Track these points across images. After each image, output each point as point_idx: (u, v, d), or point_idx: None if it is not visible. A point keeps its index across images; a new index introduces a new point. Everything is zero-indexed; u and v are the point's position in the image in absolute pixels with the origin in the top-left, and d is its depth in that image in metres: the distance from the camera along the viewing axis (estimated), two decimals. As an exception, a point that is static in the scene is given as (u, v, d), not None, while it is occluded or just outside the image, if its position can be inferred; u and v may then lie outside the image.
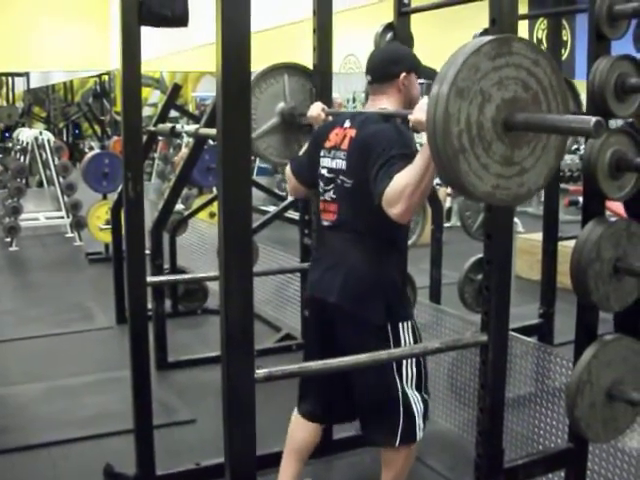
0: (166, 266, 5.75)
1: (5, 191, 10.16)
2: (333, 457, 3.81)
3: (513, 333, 3.53)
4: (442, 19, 5.32)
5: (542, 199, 4.37)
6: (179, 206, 6.63)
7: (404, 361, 2.85)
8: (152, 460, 3.46)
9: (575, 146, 10.97)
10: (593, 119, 1.73)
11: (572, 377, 2.67)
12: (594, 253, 2.59)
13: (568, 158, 10.47)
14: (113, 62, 11.20)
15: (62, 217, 9.88)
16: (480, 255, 3.49)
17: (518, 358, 3.64)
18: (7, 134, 17.58)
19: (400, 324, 2.86)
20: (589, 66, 2.70)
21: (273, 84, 3.55)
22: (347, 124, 2.91)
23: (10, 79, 18.24)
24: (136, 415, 3.42)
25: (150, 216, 4.19)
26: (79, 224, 9.48)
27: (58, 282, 7.80)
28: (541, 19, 8.27)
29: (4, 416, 4.37)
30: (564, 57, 4.82)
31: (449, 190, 10.23)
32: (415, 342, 2.89)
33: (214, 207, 7.32)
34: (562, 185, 6.74)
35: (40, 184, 10.96)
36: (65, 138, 18.34)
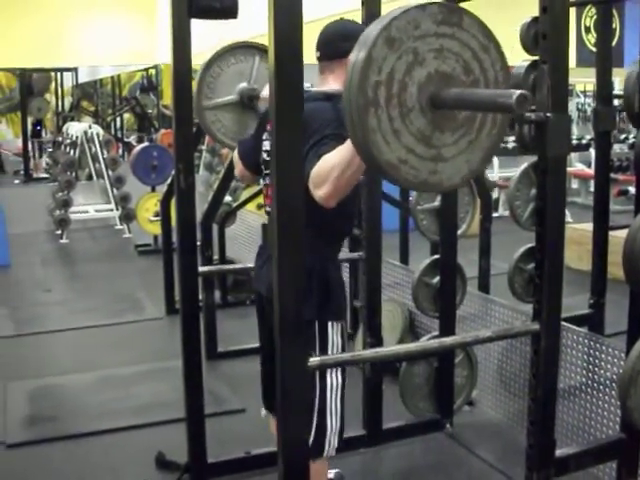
0: (215, 257, 5.79)
1: (55, 184, 10.29)
2: (382, 447, 3.82)
3: (564, 323, 3.50)
4: (490, 8, 5.27)
5: (591, 189, 4.33)
6: (227, 198, 6.65)
7: (329, 369, 2.67)
8: (203, 448, 3.50)
9: (624, 135, 10.86)
10: (517, 92, 1.62)
11: (625, 367, 2.65)
12: (647, 241, 2.56)
13: (617, 147, 10.38)
14: (160, 56, 11.27)
15: (111, 209, 9.98)
16: (530, 245, 3.47)
17: (569, 348, 3.61)
18: (38, 127, 17.82)
19: (330, 323, 2.70)
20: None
21: (242, 61, 3.43)
22: None
23: (59, 74, 18.44)
24: (187, 404, 3.46)
25: (199, 208, 4.22)
26: (128, 216, 9.56)
27: (108, 273, 7.89)
28: (589, 6, 8.16)
29: (57, 405, 4.44)
30: (612, 45, 4.76)
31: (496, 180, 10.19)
32: (342, 345, 2.73)
33: (262, 199, 7.33)
34: (611, 175, 6.67)
35: (89, 177, 11.08)
36: (113, 132, 18.52)
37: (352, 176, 2.21)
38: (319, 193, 2.25)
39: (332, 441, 2.74)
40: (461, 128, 1.87)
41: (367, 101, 1.74)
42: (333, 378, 2.70)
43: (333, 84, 2.69)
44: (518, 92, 1.61)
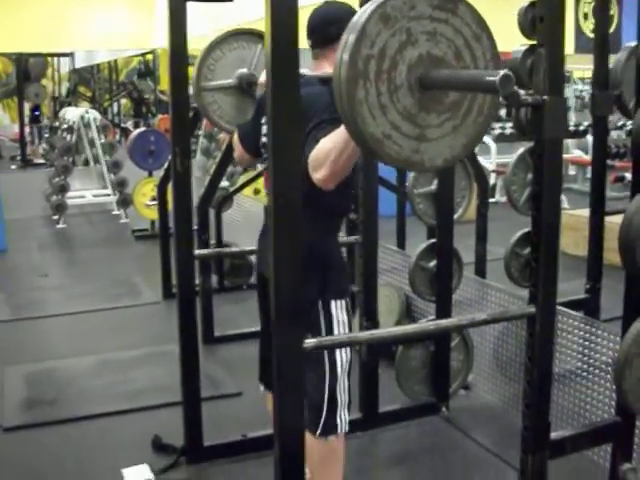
0: (212, 242, 5.79)
1: (52, 169, 10.28)
2: (379, 430, 3.84)
3: (560, 307, 3.52)
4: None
5: (588, 175, 4.33)
6: (224, 182, 6.65)
7: None
8: (200, 432, 3.52)
9: (621, 122, 10.85)
10: (501, 72, 1.64)
11: (620, 350, 2.66)
12: (643, 226, 2.56)
13: (614, 134, 10.36)
14: (157, 41, 11.23)
15: (108, 195, 9.98)
16: (526, 230, 3.47)
17: (565, 332, 3.63)
18: (36, 112, 17.77)
19: (333, 302, 2.73)
20: (639, 39, 2.68)
21: (244, 48, 3.45)
22: None
23: (56, 59, 18.37)
24: (184, 388, 3.48)
25: (196, 192, 4.22)
26: (125, 201, 9.57)
27: (105, 258, 7.90)
28: (588, -7, 8.16)
29: (55, 388, 4.45)
30: (610, 31, 4.73)
31: (493, 167, 10.20)
32: (348, 322, 2.77)
33: (259, 183, 7.34)
34: (609, 161, 6.66)
35: (86, 162, 11.06)
36: (110, 117, 18.48)
37: (348, 159, 2.24)
38: (317, 176, 2.29)
39: (343, 416, 2.77)
40: (447, 112, 1.90)
41: (357, 73, 1.76)
42: (342, 353, 2.73)
43: (328, 69, 2.68)
44: (502, 72, 1.63)
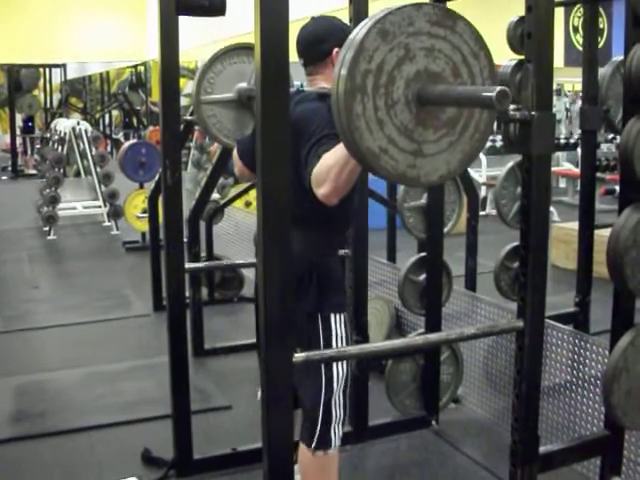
0: (203, 254, 5.79)
1: (43, 181, 10.27)
2: (368, 443, 3.83)
3: (549, 321, 3.52)
4: (477, 8, 5.27)
5: (578, 188, 4.35)
6: (215, 195, 6.65)
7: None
8: (189, 445, 3.51)
9: (611, 135, 10.89)
10: (497, 88, 1.65)
11: (608, 364, 2.67)
12: (631, 240, 2.57)
13: (604, 147, 10.41)
14: (149, 52, 11.24)
15: (99, 206, 9.98)
16: (516, 243, 3.49)
17: (554, 346, 3.63)
18: (29, 123, 17.76)
19: (332, 315, 2.75)
20: (626, 53, 2.68)
21: (244, 62, 3.46)
22: None
23: (47, 70, 18.37)
24: (174, 400, 3.47)
25: (187, 205, 4.22)
26: (116, 213, 9.57)
27: (95, 270, 7.88)
28: (577, 6, 8.19)
29: (44, 401, 4.43)
30: (600, 45, 4.73)
31: (484, 179, 10.23)
32: (346, 336, 2.78)
33: (249, 196, 7.35)
34: (599, 174, 6.67)
35: (77, 174, 11.06)
36: (102, 128, 18.47)
37: (350, 174, 2.26)
38: (320, 192, 2.32)
39: (337, 430, 2.78)
40: (444, 128, 1.91)
41: (354, 87, 1.78)
42: (339, 369, 2.74)
43: (324, 83, 2.74)
44: (499, 88, 1.64)
